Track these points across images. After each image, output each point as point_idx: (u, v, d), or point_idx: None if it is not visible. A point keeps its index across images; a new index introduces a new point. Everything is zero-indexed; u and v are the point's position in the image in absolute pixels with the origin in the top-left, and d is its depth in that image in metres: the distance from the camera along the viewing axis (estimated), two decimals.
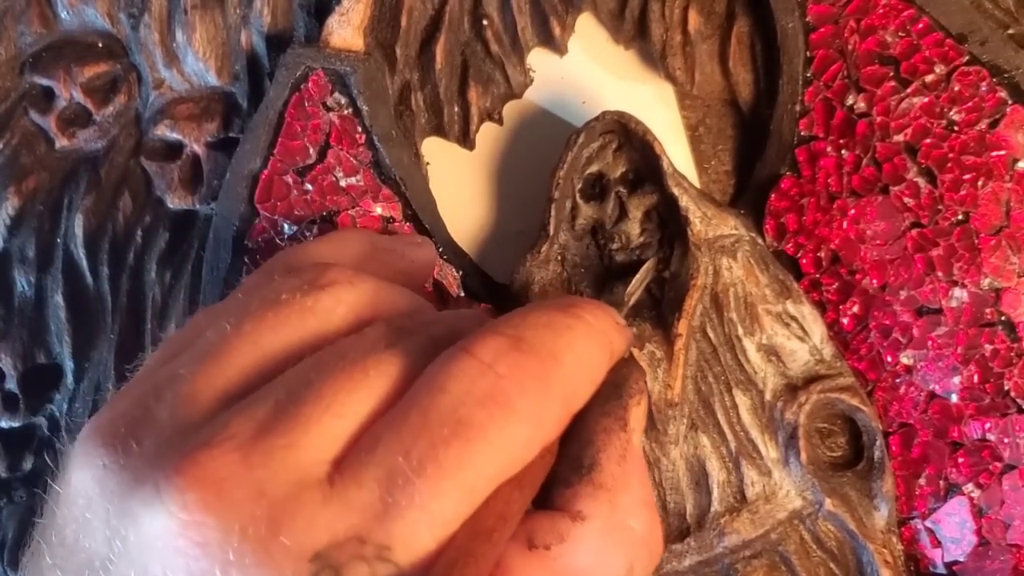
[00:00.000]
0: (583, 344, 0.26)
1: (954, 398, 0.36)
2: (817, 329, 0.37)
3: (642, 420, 0.27)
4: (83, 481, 0.24)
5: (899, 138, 0.37)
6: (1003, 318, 0.36)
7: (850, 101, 0.37)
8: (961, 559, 0.36)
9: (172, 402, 0.24)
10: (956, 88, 0.36)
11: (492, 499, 0.23)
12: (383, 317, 0.27)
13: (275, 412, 0.23)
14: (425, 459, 0.22)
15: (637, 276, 0.36)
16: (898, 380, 0.37)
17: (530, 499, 0.25)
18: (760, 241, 0.38)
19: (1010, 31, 0.37)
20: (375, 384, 0.24)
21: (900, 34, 0.37)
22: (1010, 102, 0.36)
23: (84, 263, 0.43)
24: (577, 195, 0.38)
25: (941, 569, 0.36)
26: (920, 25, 0.37)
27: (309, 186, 0.39)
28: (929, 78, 0.37)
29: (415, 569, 0.21)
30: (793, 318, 0.36)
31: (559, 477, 0.26)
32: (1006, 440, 0.35)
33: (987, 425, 0.36)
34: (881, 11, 0.37)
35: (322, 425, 0.23)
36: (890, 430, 0.37)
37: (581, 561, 0.24)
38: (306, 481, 0.22)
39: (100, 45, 0.43)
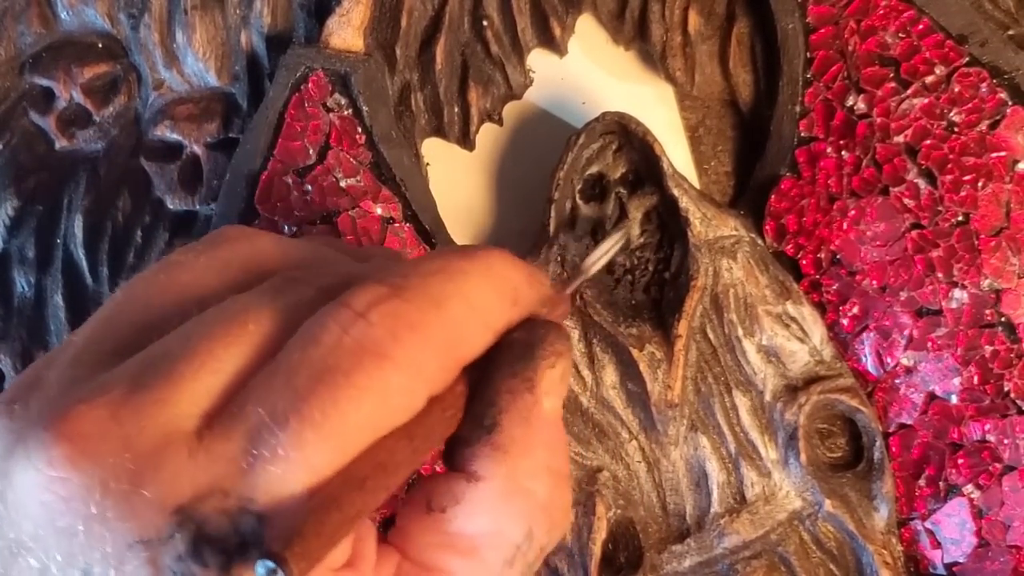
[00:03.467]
0: (476, 289, 0.24)
1: (954, 399, 0.36)
2: (817, 330, 0.37)
3: (557, 384, 0.26)
4: None
5: (899, 139, 0.37)
6: (1003, 319, 0.36)
7: (850, 102, 0.37)
8: (961, 560, 0.36)
9: (60, 365, 0.24)
10: (956, 89, 0.36)
11: (373, 449, 0.22)
12: (282, 271, 0.26)
13: (150, 367, 0.23)
14: (289, 410, 0.21)
15: (604, 243, 0.32)
16: (898, 381, 0.37)
17: (425, 452, 0.24)
18: (760, 242, 0.38)
19: (1010, 32, 0.37)
20: (253, 338, 0.23)
21: (900, 35, 0.37)
22: (1010, 103, 0.36)
23: (84, 263, 0.43)
24: (577, 196, 0.38)
25: (941, 570, 0.36)
26: (920, 26, 0.37)
27: (309, 187, 0.39)
28: (929, 79, 0.37)
29: (278, 518, 0.21)
30: (793, 319, 0.36)
31: (461, 437, 0.25)
32: (1006, 441, 0.35)
33: (987, 426, 0.36)
34: (881, 12, 0.37)
35: (196, 380, 0.22)
36: (890, 431, 0.37)
37: (477, 524, 0.24)
38: (174, 435, 0.22)
39: (100, 45, 0.43)
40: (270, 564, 0.20)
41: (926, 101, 0.37)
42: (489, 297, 0.25)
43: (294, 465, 0.21)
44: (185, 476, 0.21)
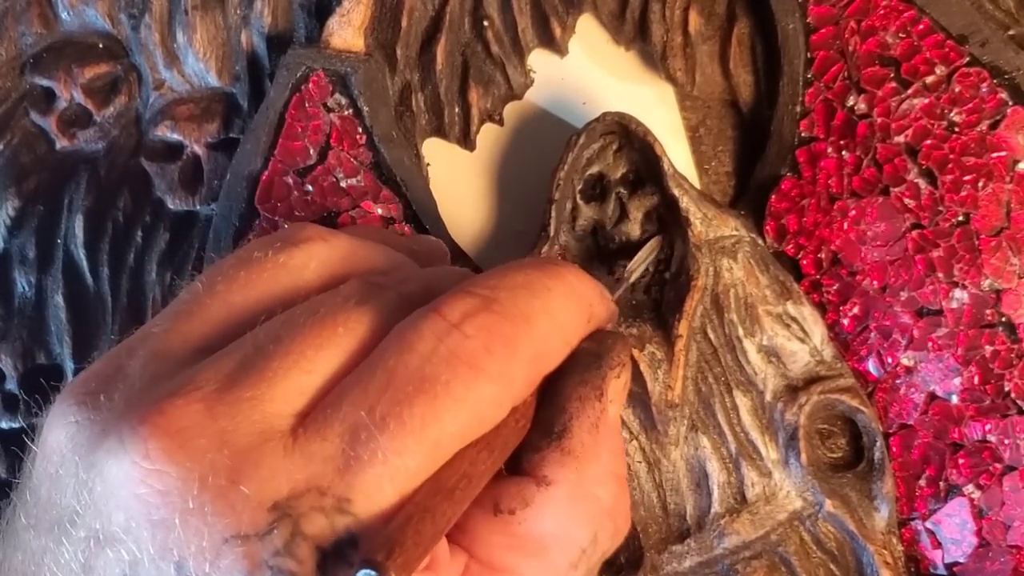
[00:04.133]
0: (559, 306, 0.25)
1: (954, 399, 0.36)
2: (817, 330, 0.37)
3: (621, 392, 0.27)
4: (56, 439, 0.24)
5: (900, 139, 0.37)
6: (1003, 319, 0.36)
7: (851, 102, 0.37)
8: (961, 560, 0.36)
9: (143, 358, 0.25)
10: (957, 89, 0.36)
11: (457, 458, 0.23)
12: (358, 274, 0.27)
13: (242, 365, 0.23)
14: (388, 415, 0.22)
15: (641, 252, 0.36)
16: (898, 381, 0.37)
17: (500, 462, 0.25)
18: (760, 242, 0.38)
19: (1011, 32, 0.37)
20: (344, 341, 0.24)
21: (901, 35, 0.37)
22: (1010, 103, 0.36)
23: (84, 264, 0.43)
24: (578, 196, 0.38)
25: (941, 570, 0.36)
26: (921, 26, 0.37)
27: (309, 187, 0.39)
28: (930, 79, 0.37)
29: (374, 521, 0.21)
30: (793, 319, 0.36)
31: (531, 443, 0.26)
32: (1006, 441, 0.35)
33: (987, 426, 0.36)
34: (882, 12, 0.37)
35: (288, 379, 0.23)
36: (890, 431, 0.37)
37: (545, 527, 0.25)
38: (269, 433, 0.22)
39: (101, 46, 0.43)
40: (371, 573, 0.20)
41: (926, 101, 0.37)
42: (570, 314, 0.26)
43: (391, 469, 0.22)
44: (282, 473, 0.21)
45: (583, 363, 0.26)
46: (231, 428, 0.22)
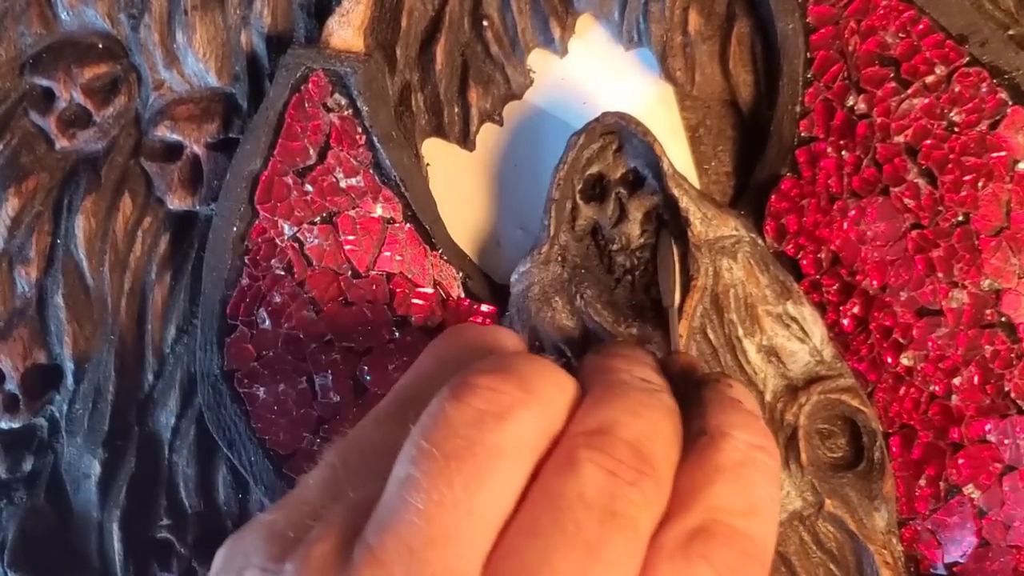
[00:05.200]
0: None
1: (954, 399, 0.36)
2: (817, 330, 0.37)
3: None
4: None
5: (899, 139, 0.37)
6: (1003, 319, 0.36)
7: (850, 102, 0.37)
8: (961, 560, 0.36)
9: None
10: (956, 89, 0.36)
11: None
12: (578, 440, 0.26)
13: None
14: None
15: (667, 275, 0.36)
16: (898, 381, 0.37)
17: None
18: (760, 242, 0.38)
19: (1010, 32, 0.37)
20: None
21: (900, 35, 0.37)
22: (1010, 103, 0.36)
23: (84, 264, 0.43)
24: (577, 196, 0.38)
25: (941, 570, 0.36)
26: (920, 26, 0.37)
27: (309, 187, 0.39)
28: (929, 79, 0.37)
29: None
30: (793, 319, 0.36)
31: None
32: (1006, 441, 0.35)
33: (987, 426, 0.36)
34: (881, 12, 0.37)
35: None
36: (890, 431, 0.37)
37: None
38: None
39: (100, 46, 0.43)
40: None
41: (926, 101, 0.37)
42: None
43: None
44: None
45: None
46: None
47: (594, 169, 0.38)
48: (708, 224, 0.36)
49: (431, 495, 0.23)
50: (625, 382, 0.27)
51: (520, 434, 0.24)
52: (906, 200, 0.37)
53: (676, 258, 0.36)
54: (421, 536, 0.22)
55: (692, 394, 0.28)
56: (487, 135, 0.42)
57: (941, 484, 0.36)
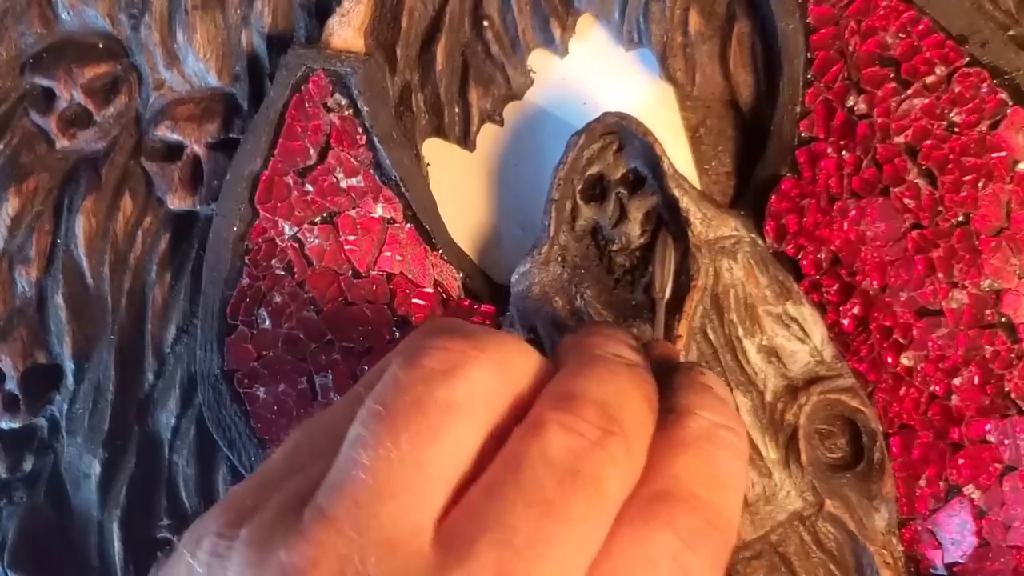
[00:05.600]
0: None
1: (954, 399, 0.36)
2: (817, 330, 0.37)
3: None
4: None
5: (900, 139, 0.37)
6: (1003, 319, 0.36)
7: (851, 102, 0.37)
8: (961, 560, 0.36)
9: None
10: (957, 89, 0.36)
11: None
12: (542, 403, 0.26)
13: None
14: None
15: (660, 266, 0.36)
16: (898, 381, 0.37)
17: None
18: (760, 242, 0.38)
19: (1011, 33, 0.37)
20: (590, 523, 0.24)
21: (901, 35, 0.37)
22: (1010, 104, 0.36)
23: (84, 263, 0.44)
24: (578, 196, 0.38)
25: (941, 570, 0.36)
26: (921, 26, 0.37)
27: (309, 187, 0.39)
28: (930, 79, 0.37)
29: None
30: (793, 319, 0.36)
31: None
32: (1006, 441, 0.35)
33: (987, 426, 0.36)
34: (882, 12, 0.37)
35: None
36: (890, 431, 0.37)
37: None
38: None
39: (100, 46, 0.43)
40: None
41: (926, 101, 0.37)
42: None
43: None
44: None
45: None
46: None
47: (594, 169, 0.38)
48: (708, 224, 0.36)
49: (378, 451, 0.23)
50: (598, 355, 0.27)
51: (472, 391, 0.24)
52: (906, 200, 0.37)
53: (672, 252, 0.36)
54: (368, 491, 0.22)
55: (666, 379, 0.28)
56: (487, 135, 0.42)
57: (941, 484, 0.36)
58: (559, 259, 0.38)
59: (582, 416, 0.24)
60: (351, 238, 0.39)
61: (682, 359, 0.34)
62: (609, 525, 0.24)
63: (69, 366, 0.44)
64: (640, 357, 0.29)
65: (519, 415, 0.25)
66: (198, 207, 0.43)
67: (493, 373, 0.25)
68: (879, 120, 0.37)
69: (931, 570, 0.36)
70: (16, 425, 0.44)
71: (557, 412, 0.24)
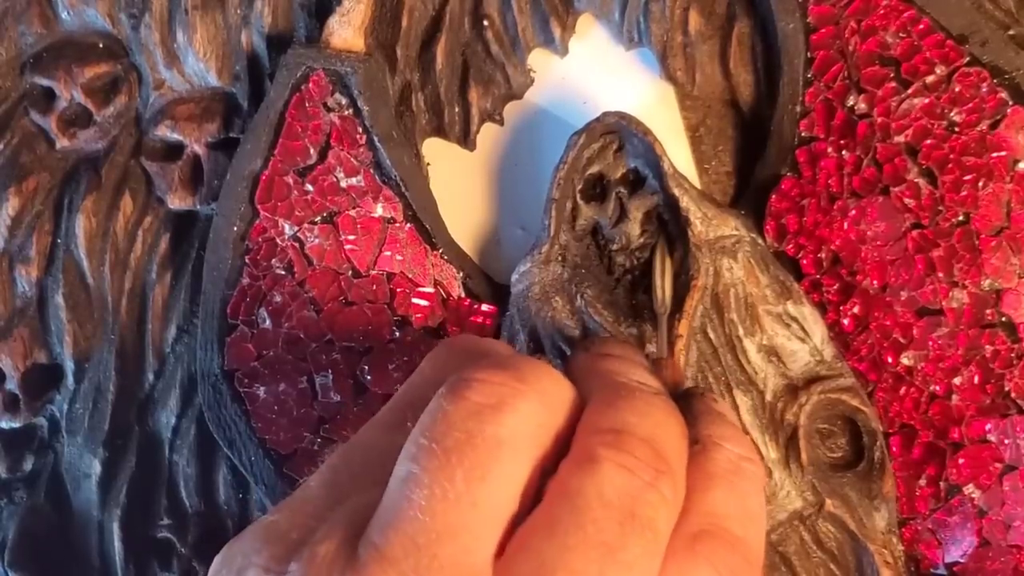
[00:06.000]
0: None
1: (955, 399, 0.36)
2: (818, 330, 0.37)
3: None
4: None
5: (900, 139, 0.37)
6: (1004, 319, 0.36)
7: (851, 102, 0.37)
8: (962, 560, 0.36)
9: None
10: (957, 89, 0.36)
11: None
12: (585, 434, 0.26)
13: None
14: None
15: (660, 279, 0.36)
16: (899, 381, 0.37)
17: None
18: (761, 242, 0.38)
19: (1011, 32, 0.37)
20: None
21: (901, 35, 0.37)
22: (1011, 103, 0.36)
23: (84, 263, 0.43)
24: (578, 196, 0.38)
25: (942, 570, 0.36)
26: (921, 26, 0.37)
27: (310, 186, 0.39)
28: (930, 79, 0.37)
29: None
30: (794, 319, 0.36)
31: None
32: (1007, 441, 0.35)
33: (988, 426, 0.36)
34: (882, 12, 0.37)
35: None
36: (891, 431, 0.37)
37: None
38: None
39: (100, 45, 0.43)
40: None
41: (927, 101, 0.37)
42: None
43: None
44: None
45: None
46: None
47: (594, 169, 0.38)
48: (708, 224, 0.36)
49: (433, 490, 0.23)
50: (626, 385, 0.27)
51: (519, 425, 0.24)
52: (906, 200, 0.37)
53: (669, 264, 0.36)
54: (427, 531, 0.22)
55: (680, 404, 0.28)
56: (487, 135, 0.42)
57: (941, 484, 0.36)
58: (559, 259, 0.38)
59: (635, 455, 0.24)
60: (351, 238, 0.39)
61: (687, 378, 0.35)
62: (660, 565, 0.24)
63: (69, 366, 0.44)
64: (658, 382, 0.29)
65: (559, 446, 0.25)
66: (198, 207, 0.43)
67: (537, 405, 0.25)
68: (879, 119, 0.37)
69: (931, 569, 0.36)
70: (16, 425, 0.44)
71: (609, 449, 0.24)
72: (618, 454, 0.24)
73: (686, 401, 0.29)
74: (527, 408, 0.25)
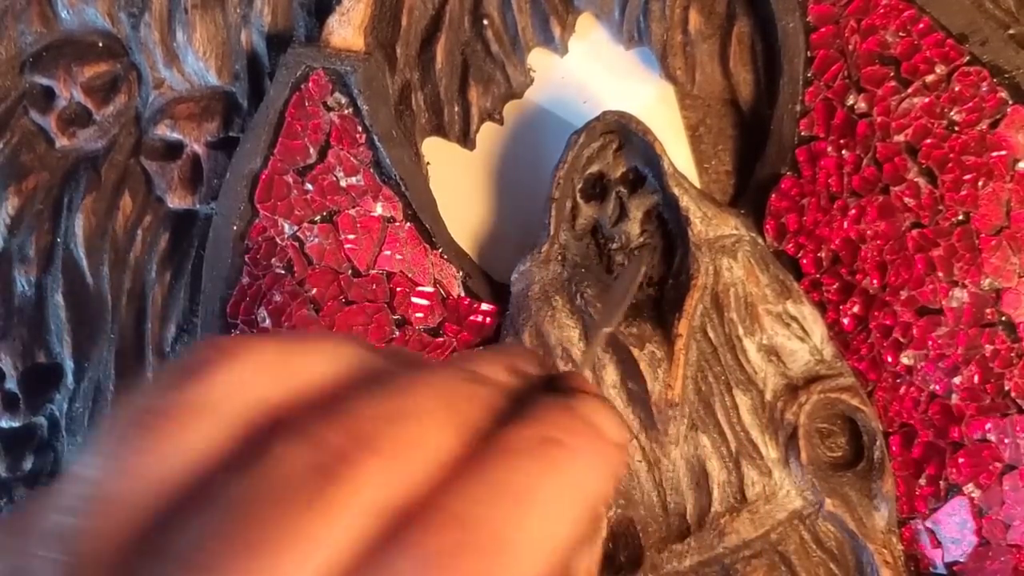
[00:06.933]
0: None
1: (954, 398, 0.36)
2: (817, 329, 0.37)
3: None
4: None
5: (900, 138, 0.37)
6: (1003, 318, 0.36)
7: (851, 101, 0.37)
8: (961, 559, 0.36)
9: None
10: (957, 88, 0.36)
11: None
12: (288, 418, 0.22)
13: None
14: None
15: (629, 278, 0.34)
16: (898, 380, 0.37)
17: None
18: (760, 241, 0.38)
19: (1011, 31, 0.37)
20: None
21: (901, 34, 0.37)
22: (1010, 102, 0.36)
23: (84, 263, 0.43)
24: (578, 195, 0.38)
25: (941, 569, 0.36)
26: (921, 25, 0.37)
27: (309, 186, 0.39)
28: (930, 78, 0.37)
29: None
30: (793, 318, 0.36)
31: None
32: (1006, 440, 0.35)
33: (987, 425, 0.36)
34: (882, 11, 0.37)
35: None
36: (890, 430, 0.37)
37: None
38: None
39: (100, 45, 0.43)
40: None
41: (926, 100, 0.37)
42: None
43: None
44: None
45: None
46: None
47: (594, 168, 0.38)
48: (708, 223, 0.36)
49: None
50: (433, 368, 0.24)
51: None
52: (906, 199, 0.37)
53: (636, 285, 0.35)
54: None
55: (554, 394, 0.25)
56: (487, 134, 0.42)
57: (941, 483, 0.36)
58: (559, 258, 0.38)
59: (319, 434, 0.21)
60: (351, 237, 0.39)
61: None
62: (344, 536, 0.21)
63: (69, 365, 0.44)
64: (512, 379, 0.25)
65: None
66: (198, 206, 0.43)
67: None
68: (879, 119, 0.37)
69: (931, 569, 0.36)
70: (16, 424, 0.44)
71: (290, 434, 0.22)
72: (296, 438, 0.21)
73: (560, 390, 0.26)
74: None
